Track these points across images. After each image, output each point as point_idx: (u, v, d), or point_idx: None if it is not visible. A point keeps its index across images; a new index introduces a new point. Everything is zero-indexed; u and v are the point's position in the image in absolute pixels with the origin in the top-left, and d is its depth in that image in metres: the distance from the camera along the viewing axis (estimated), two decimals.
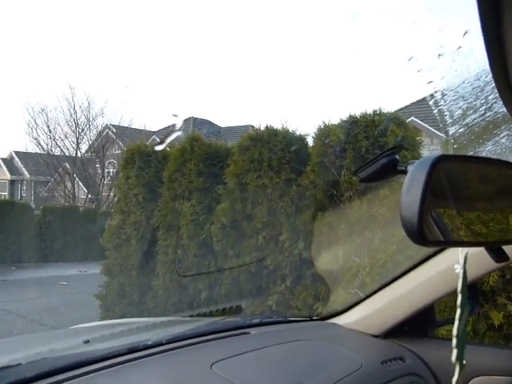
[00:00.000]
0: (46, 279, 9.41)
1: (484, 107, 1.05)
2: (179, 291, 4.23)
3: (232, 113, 44.59)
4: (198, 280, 4.11)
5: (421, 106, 11.61)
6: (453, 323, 0.88)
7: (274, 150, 3.77)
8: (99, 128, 20.27)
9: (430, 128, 10.68)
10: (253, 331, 1.44)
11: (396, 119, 3.51)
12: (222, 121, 39.63)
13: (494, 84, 0.62)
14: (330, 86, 31.37)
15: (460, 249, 0.88)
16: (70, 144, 19.69)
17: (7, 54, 34.81)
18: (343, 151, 3.41)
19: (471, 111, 1.12)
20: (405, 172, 0.81)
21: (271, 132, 3.87)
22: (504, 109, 0.76)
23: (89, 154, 19.92)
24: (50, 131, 19.73)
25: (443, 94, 1.07)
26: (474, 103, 1.06)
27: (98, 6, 37.48)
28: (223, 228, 3.97)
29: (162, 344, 1.21)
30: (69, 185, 18.93)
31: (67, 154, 19.63)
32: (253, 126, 4.60)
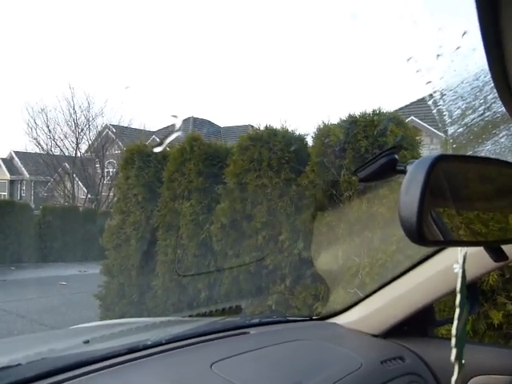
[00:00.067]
0: (46, 279, 9.41)
1: (483, 107, 1.05)
2: (179, 291, 4.23)
3: (232, 113, 44.61)
4: (197, 280, 4.11)
5: (420, 106, 11.61)
6: (452, 323, 0.88)
7: (273, 149, 3.77)
8: (99, 128, 20.30)
9: (430, 127, 10.66)
10: (252, 331, 1.44)
11: (395, 119, 3.51)
12: (222, 121, 39.66)
13: (492, 84, 0.62)
14: (329, 86, 31.41)
15: (459, 248, 0.88)
16: (70, 144, 19.72)
17: (7, 53, 34.81)
18: (343, 151, 3.41)
19: (470, 111, 1.13)
20: (404, 172, 0.81)
21: (271, 132, 3.87)
22: (503, 108, 0.76)
23: (88, 153, 19.90)
24: (49, 131, 19.75)
25: (442, 94, 1.07)
26: (473, 103, 1.06)
27: (98, 6, 37.49)
28: (223, 228, 3.97)
29: (161, 344, 1.21)
30: (68, 185, 18.92)
31: (67, 153, 19.63)
32: (252, 126, 4.60)
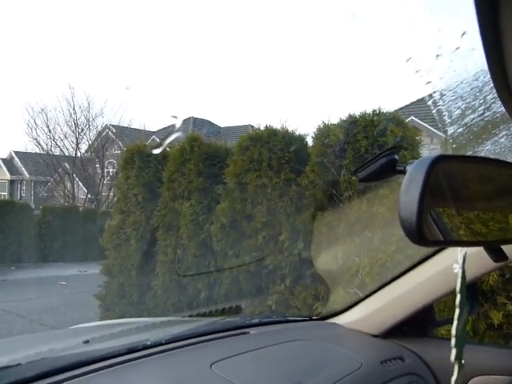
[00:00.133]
0: (46, 279, 9.41)
1: (483, 107, 1.05)
2: (179, 291, 4.23)
3: (232, 113, 44.62)
4: (197, 280, 4.11)
5: (420, 106, 11.60)
6: (452, 323, 0.88)
7: (273, 149, 3.77)
8: (99, 128, 20.30)
9: (430, 127, 10.65)
10: (252, 331, 1.44)
11: (395, 119, 3.51)
12: (222, 121, 39.65)
13: (492, 84, 0.62)
14: (329, 86, 31.42)
15: (459, 248, 0.88)
16: (70, 144, 19.72)
17: (7, 53, 34.82)
18: (342, 151, 3.41)
19: (470, 111, 1.13)
20: (404, 172, 0.81)
21: (271, 132, 3.87)
22: (502, 109, 0.76)
23: (88, 154, 19.91)
24: (49, 131, 19.75)
25: (442, 94, 1.07)
26: (473, 103, 1.06)
27: (98, 6, 37.49)
28: (223, 228, 3.98)
29: (161, 344, 1.21)
30: (68, 185, 18.92)
31: (67, 154, 19.63)
32: (252, 126, 4.60)
